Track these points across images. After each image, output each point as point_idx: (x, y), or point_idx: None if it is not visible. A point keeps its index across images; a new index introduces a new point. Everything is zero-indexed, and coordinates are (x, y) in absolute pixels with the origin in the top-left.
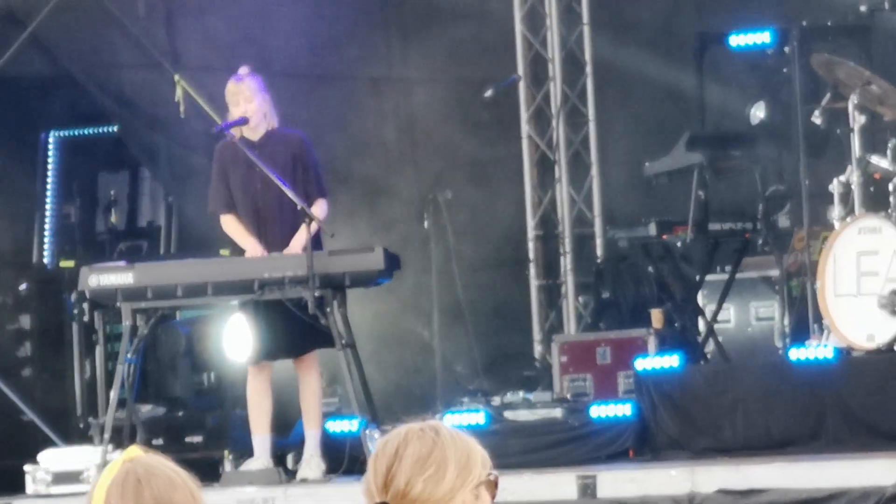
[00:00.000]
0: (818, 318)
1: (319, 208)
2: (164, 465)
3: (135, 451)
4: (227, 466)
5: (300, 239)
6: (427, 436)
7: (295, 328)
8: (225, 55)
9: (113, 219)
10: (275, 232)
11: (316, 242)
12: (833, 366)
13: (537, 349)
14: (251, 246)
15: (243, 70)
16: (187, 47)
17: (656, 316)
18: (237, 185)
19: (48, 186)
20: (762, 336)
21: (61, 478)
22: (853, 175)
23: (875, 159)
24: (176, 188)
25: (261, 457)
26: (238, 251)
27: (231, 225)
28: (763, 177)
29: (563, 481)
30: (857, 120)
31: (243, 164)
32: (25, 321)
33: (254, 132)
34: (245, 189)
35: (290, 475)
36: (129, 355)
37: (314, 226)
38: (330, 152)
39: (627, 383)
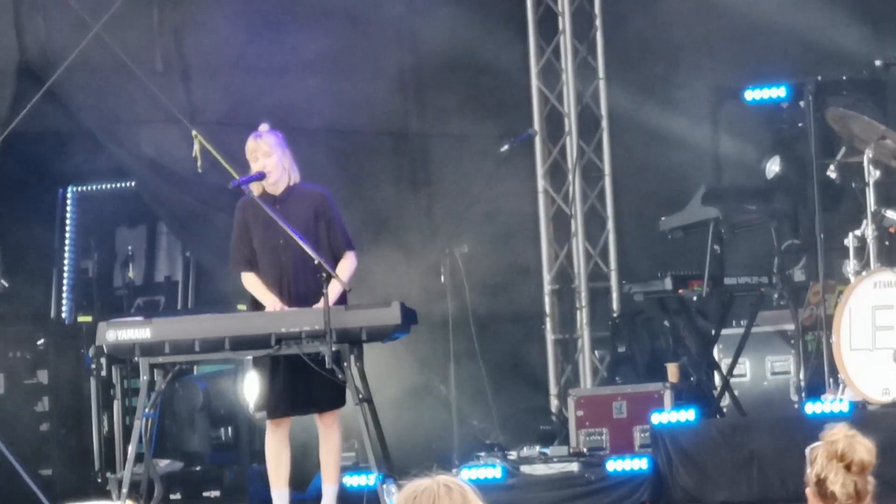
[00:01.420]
0: (834, 373)
1: (349, 262)
2: None
3: None
4: None
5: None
6: (455, 492)
7: (317, 384)
8: (242, 111)
9: (130, 274)
10: (297, 288)
11: (341, 295)
12: (848, 419)
13: (554, 403)
14: (270, 302)
15: (263, 127)
16: (205, 103)
17: (672, 370)
18: (259, 242)
19: (66, 242)
20: (778, 390)
21: None
22: (868, 229)
23: (890, 213)
24: (193, 243)
25: None
26: (258, 309)
27: (252, 282)
28: (778, 231)
29: None
30: (872, 174)
31: (264, 220)
32: (44, 376)
33: (275, 187)
34: (266, 245)
35: None
36: (146, 410)
37: (335, 281)
38: (346, 207)
39: (643, 437)
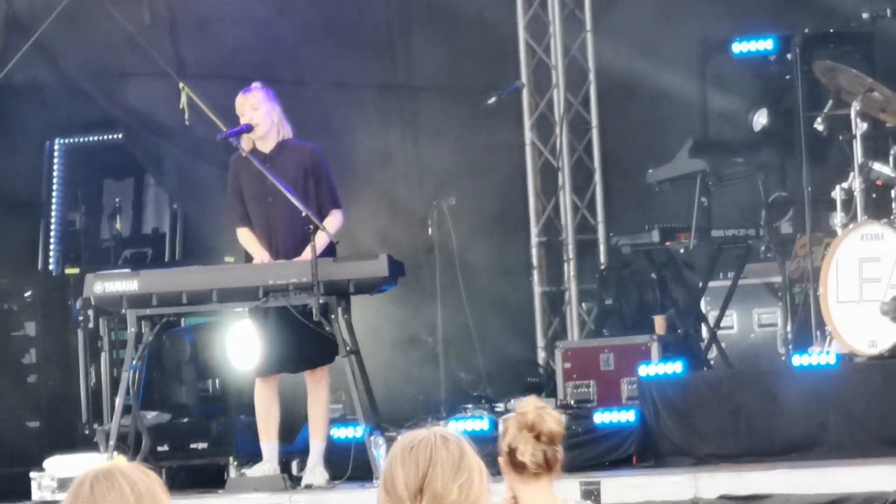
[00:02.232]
0: (821, 325)
1: (333, 219)
2: (126, 480)
3: (116, 460)
4: (232, 473)
5: (310, 251)
6: (452, 443)
7: (306, 341)
8: (229, 63)
9: (118, 226)
10: (286, 242)
11: (330, 250)
12: (835, 372)
13: (541, 356)
14: (260, 256)
15: (254, 84)
16: (192, 55)
17: (659, 322)
18: (249, 196)
19: (53, 194)
20: (765, 342)
21: (66, 484)
22: (855, 182)
23: (877, 166)
24: (181, 195)
25: (269, 462)
26: (251, 262)
27: (246, 237)
28: (765, 183)
29: (567, 487)
30: (860, 127)
31: (254, 176)
32: (31, 328)
33: (264, 143)
34: (256, 200)
35: (295, 482)
36: (134, 362)
37: (322, 234)
38: (333, 160)
39: (631, 390)
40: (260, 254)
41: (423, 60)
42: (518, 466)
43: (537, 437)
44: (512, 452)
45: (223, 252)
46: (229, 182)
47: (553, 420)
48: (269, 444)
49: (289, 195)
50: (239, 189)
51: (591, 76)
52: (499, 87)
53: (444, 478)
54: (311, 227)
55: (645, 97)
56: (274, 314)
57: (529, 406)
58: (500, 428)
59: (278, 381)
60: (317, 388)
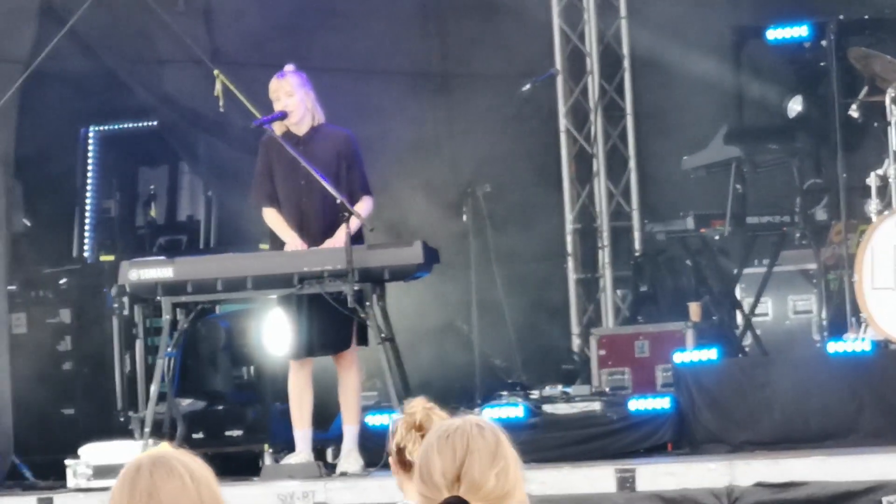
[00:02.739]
0: (856, 312)
1: (364, 205)
2: (184, 467)
3: (164, 447)
4: (267, 460)
5: (340, 234)
6: (487, 431)
7: (335, 324)
8: (264, 50)
9: (153, 213)
10: (317, 227)
11: (358, 237)
12: (870, 359)
13: (576, 343)
14: (291, 239)
15: (288, 67)
16: (226, 42)
17: (694, 309)
18: (280, 180)
19: (88, 181)
20: (800, 329)
21: (102, 472)
22: (891, 168)
23: None
24: (215, 182)
25: (303, 451)
26: (278, 244)
27: (272, 218)
28: (800, 170)
29: (602, 475)
30: (894, 113)
31: (286, 159)
32: (66, 315)
33: (298, 127)
34: (288, 184)
35: (330, 469)
36: (169, 349)
37: (355, 221)
38: (367, 147)
39: (666, 377)
40: (290, 237)
41: (458, 47)
42: (407, 465)
43: (425, 437)
44: (401, 452)
45: (258, 239)
46: (259, 162)
47: (439, 420)
48: (303, 431)
49: (322, 181)
50: (269, 169)
51: (626, 63)
52: (533, 73)
53: (482, 466)
54: (346, 213)
55: (680, 84)
56: (303, 298)
57: (418, 406)
58: (391, 428)
59: (311, 368)
60: (347, 374)
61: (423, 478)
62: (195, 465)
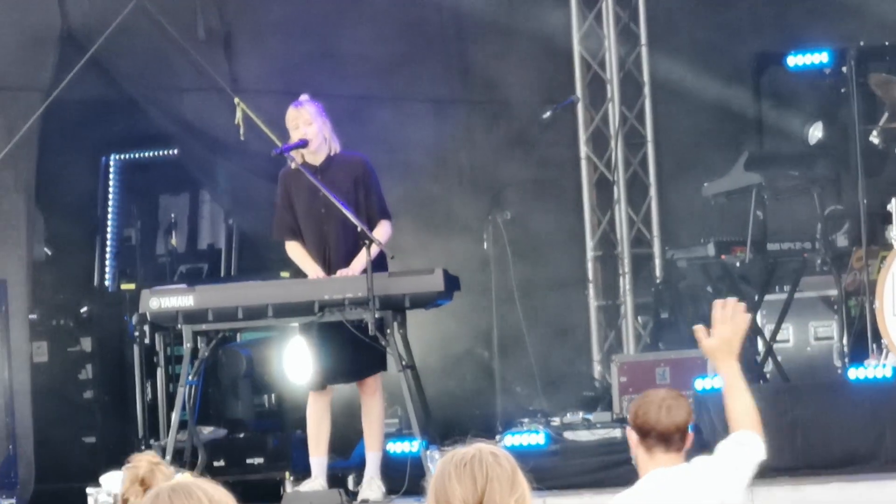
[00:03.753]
0: (877, 338)
1: (382, 230)
2: (203, 492)
3: (186, 476)
4: (288, 487)
5: (360, 261)
6: (503, 458)
7: (356, 352)
8: (284, 78)
9: (173, 241)
10: (339, 255)
11: (380, 264)
12: (892, 385)
13: (597, 369)
14: (313, 271)
15: (303, 97)
16: (246, 70)
17: None
18: (301, 211)
19: (109, 209)
20: (821, 356)
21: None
22: None
23: None
24: (236, 210)
25: (317, 478)
26: (301, 276)
27: (296, 251)
28: (821, 197)
29: None
30: None
31: (306, 189)
32: (87, 343)
33: (315, 157)
34: (308, 213)
35: (351, 496)
36: (190, 377)
37: (375, 248)
38: (388, 174)
39: None
40: (312, 269)
41: (478, 74)
42: None
43: (146, 491)
44: (125, 502)
45: (279, 267)
46: (279, 195)
47: (163, 476)
48: (319, 458)
49: (343, 209)
50: (290, 203)
51: (646, 90)
52: (554, 100)
53: (502, 493)
54: (366, 241)
55: (700, 110)
56: (324, 326)
57: (143, 461)
58: (122, 475)
59: (331, 396)
60: (370, 400)
61: None
62: (215, 492)
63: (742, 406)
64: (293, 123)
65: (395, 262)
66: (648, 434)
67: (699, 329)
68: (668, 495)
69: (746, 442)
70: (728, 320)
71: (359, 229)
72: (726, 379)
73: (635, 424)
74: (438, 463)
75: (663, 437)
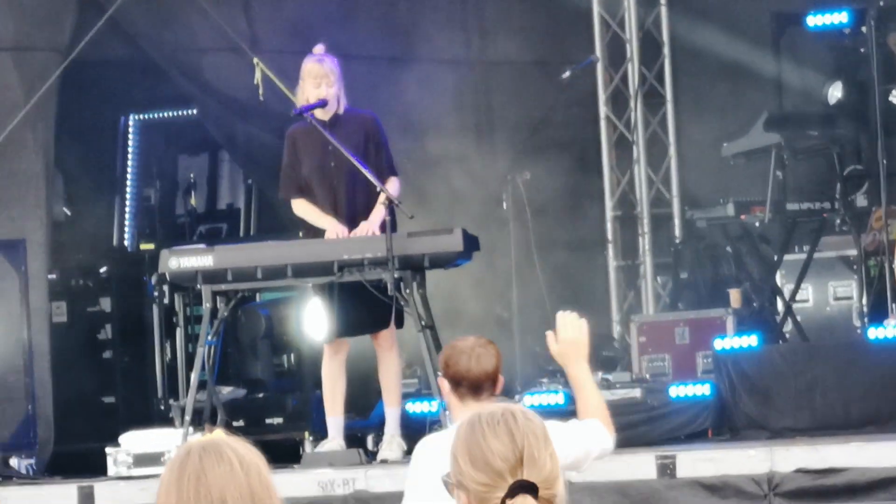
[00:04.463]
0: None
1: (392, 186)
2: (234, 452)
3: (218, 433)
4: (308, 448)
5: (378, 216)
6: (530, 414)
7: (372, 307)
8: (303, 38)
9: (192, 201)
10: (350, 209)
11: (392, 221)
12: None
13: (616, 330)
14: (330, 224)
15: (318, 48)
16: (266, 31)
17: (734, 296)
18: (310, 166)
19: (128, 169)
20: (840, 315)
21: (142, 460)
22: None
23: None
24: (255, 170)
25: (335, 438)
26: (311, 234)
27: (304, 208)
28: (841, 156)
29: (642, 461)
30: None
31: (314, 145)
32: (106, 304)
33: (324, 112)
34: (319, 169)
35: (371, 456)
36: (209, 337)
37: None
38: (408, 135)
39: (706, 363)
40: (328, 222)
41: (497, 35)
42: None
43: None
44: None
45: (298, 227)
46: (286, 154)
47: None
48: (335, 418)
49: (360, 166)
50: (297, 161)
51: (666, 50)
52: (573, 61)
53: (539, 448)
54: (386, 201)
55: (719, 70)
56: (339, 285)
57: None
58: None
59: (346, 355)
60: (387, 355)
61: (477, 466)
62: (245, 452)
63: (594, 403)
64: (315, 81)
65: (414, 222)
66: (460, 383)
67: (549, 335)
68: None
69: (595, 426)
70: (569, 325)
71: (378, 189)
72: (576, 381)
73: (447, 374)
74: (463, 424)
75: (474, 385)
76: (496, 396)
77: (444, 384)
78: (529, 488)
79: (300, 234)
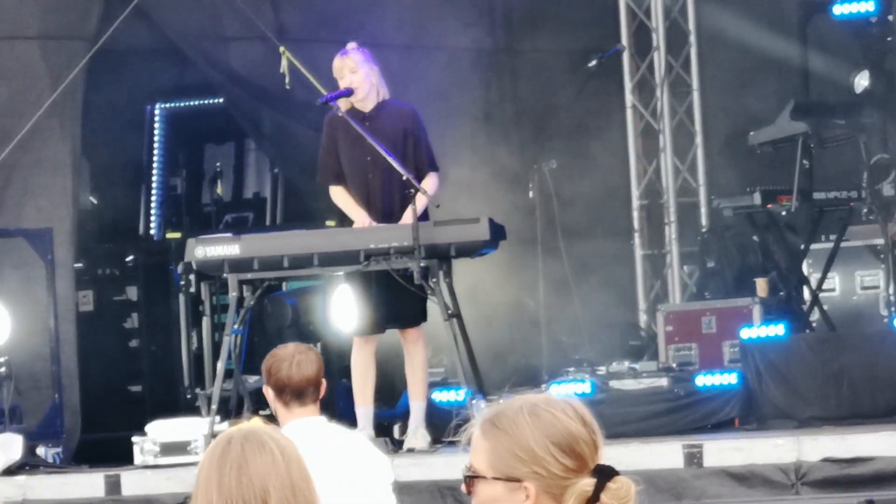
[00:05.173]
0: None
1: (430, 181)
2: (275, 443)
3: (256, 422)
4: None
5: (409, 217)
6: (584, 405)
7: (403, 300)
8: (330, 27)
9: (219, 190)
10: (383, 204)
11: (424, 214)
12: None
13: (643, 318)
14: (359, 217)
15: (350, 45)
16: (292, 19)
17: (761, 285)
18: (346, 157)
19: (155, 158)
20: (867, 304)
21: (169, 449)
22: None
23: None
24: (281, 159)
25: (364, 428)
26: (346, 222)
27: (340, 196)
28: (867, 145)
29: (670, 450)
30: None
31: (352, 136)
32: (133, 293)
33: (364, 104)
34: (354, 161)
35: (397, 445)
36: (235, 326)
37: (422, 198)
38: (434, 123)
39: (733, 352)
40: (358, 214)
41: (524, 23)
42: None
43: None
44: None
45: (324, 216)
46: (324, 140)
47: None
48: (364, 408)
49: (389, 158)
50: (335, 148)
51: (692, 38)
52: (600, 49)
53: (600, 435)
54: (412, 189)
55: (746, 59)
56: (371, 275)
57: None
58: None
59: (376, 345)
60: (413, 350)
61: (565, 451)
62: (286, 443)
63: None
64: (339, 72)
65: (441, 211)
66: (283, 390)
67: None
68: (311, 442)
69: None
70: None
71: (404, 178)
72: None
73: (269, 382)
74: (524, 413)
75: (297, 392)
76: (318, 401)
77: (269, 392)
78: (611, 472)
79: (330, 222)
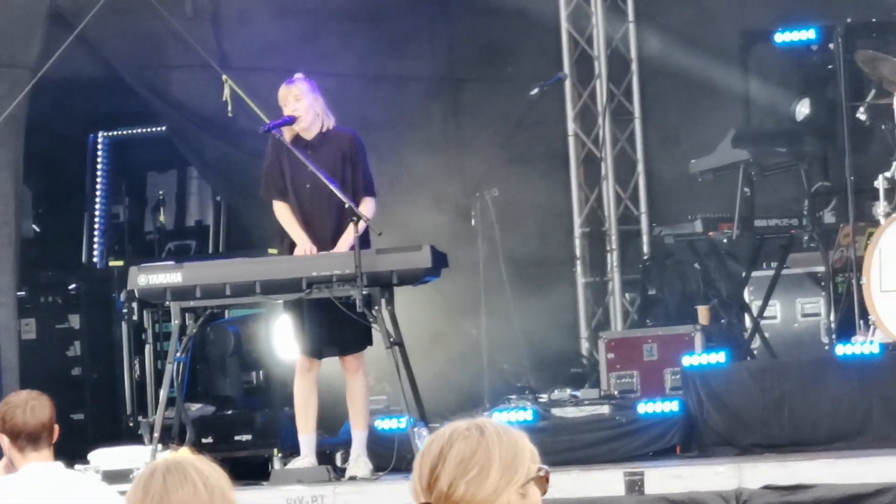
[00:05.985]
0: (864, 314)
1: (367, 207)
2: (198, 474)
3: (183, 452)
4: (277, 465)
5: (348, 238)
6: (472, 436)
7: (342, 327)
8: (272, 56)
9: (161, 218)
10: (323, 230)
11: (364, 241)
12: (879, 361)
13: (584, 346)
14: (301, 240)
15: (297, 75)
16: (235, 48)
17: (703, 312)
18: (289, 181)
19: (97, 187)
20: (808, 332)
21: (111, 476)
22: None
23: None
24: (224, 187)
25: (307, 456)
26: (287, 241)
27: (283, 213)
28: (808, 173)
29: (611, 478)
30: None
31: (293, 163)
32: (75, 321)
33: (307, 132)
34: (294, 188)
35: (339, 473)
36: (178, 354)
37: (362, 224)
38: (376, 151)
39: (674, 380)
40: (300, 237)
41: (466, 51)
42: None
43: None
44: None
45: (267, 244)
46: (269, 156)
47: None
48: (307, 435)
49: (331, 186)
50: (279, 165)
51: (634, 66)
52: (541, 78)
53: (451, 474)
54: (354, 218)
55: (687, 87)
56: (309, 303)
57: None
58: None
59: (318, 372)
60: (353, 379)
61: (411, 484)
62: (210, 472)
63: None
64: (284, 100)
65: (383, 239)
66: (18, 436)
67: None
68: (46, 486)
69: None
70: None
71: (346, 206)
72: None
73: (4, 429)
74: (492, 433)
75: (32, 436)
76: (52, 446)
77: (3, 439)
78: None
79: (272, 250)
